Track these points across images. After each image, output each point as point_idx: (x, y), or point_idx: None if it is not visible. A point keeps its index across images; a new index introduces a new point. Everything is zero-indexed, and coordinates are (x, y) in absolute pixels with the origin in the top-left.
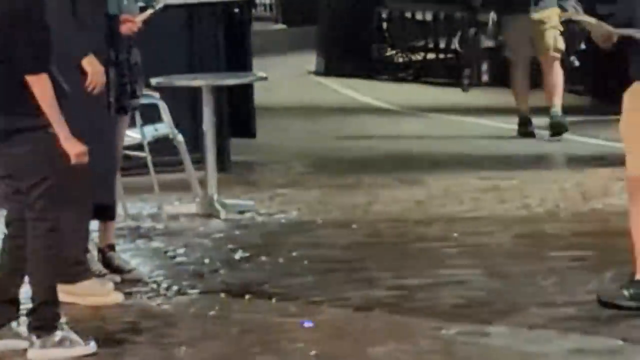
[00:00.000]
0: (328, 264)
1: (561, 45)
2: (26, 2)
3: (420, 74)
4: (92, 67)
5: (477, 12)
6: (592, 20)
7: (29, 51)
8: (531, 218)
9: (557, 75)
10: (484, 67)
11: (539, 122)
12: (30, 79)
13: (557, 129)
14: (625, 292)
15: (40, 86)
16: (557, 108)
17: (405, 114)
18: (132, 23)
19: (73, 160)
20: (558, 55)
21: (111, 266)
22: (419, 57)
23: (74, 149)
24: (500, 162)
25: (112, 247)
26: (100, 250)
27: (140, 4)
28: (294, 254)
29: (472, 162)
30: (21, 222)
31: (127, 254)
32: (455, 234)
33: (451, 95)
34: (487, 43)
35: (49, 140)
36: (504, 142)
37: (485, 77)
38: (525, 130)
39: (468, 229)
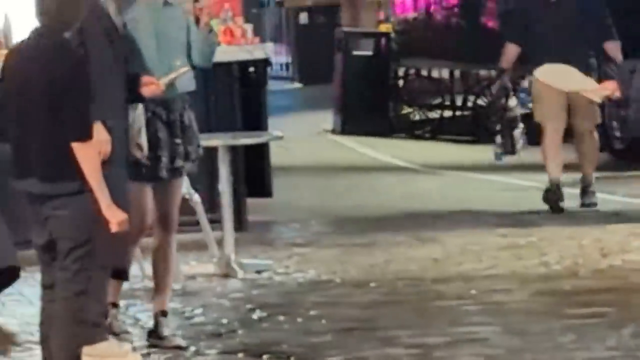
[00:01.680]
0: (346, 323)
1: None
2: (73, 70)
3: (437, 131)
4: (97, 135)
5: (502, 75)
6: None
7: (75, 118)
8: (550, 275)
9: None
10: (517, 133)
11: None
12: (75, 146)
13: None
14: None
15: (84, 152)
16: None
17: (422, 171)
18: (155, 86)
19: (114, 229)
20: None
21: None
22: (435, 114)
23: (116, 216)
24: (517, 219)
25: (115, 305)
26: None
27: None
28: (312, 313)
29: (489, 219)
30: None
31: (144, 315)
32: (474, 292)
33: (468, 153)
34: (519, 109)
35: (92, 205)
36: (521, 199)
37: (519, 145)
38: (556, 205)
39: (486, 286)
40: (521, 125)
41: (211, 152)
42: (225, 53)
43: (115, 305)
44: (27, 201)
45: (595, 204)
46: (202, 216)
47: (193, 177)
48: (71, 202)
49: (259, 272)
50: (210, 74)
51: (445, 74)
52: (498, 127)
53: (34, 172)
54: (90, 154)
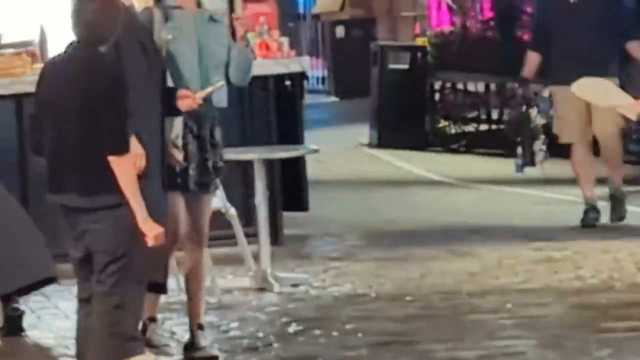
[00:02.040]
0: (382, 337)
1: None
2: (109, 84)
3: (472, 145)
4: (132, 149)
5: (527, 85)
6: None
7: (111, 131)
8: (585, 289)
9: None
10: (537, 146)
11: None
12: (112, 159)
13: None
14: None
15: (121, 166)
16: (615, 184)
17: (457, 185)
18: (192, 100)
19: (151, 242)
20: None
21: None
22: (471, 128)
23: (152, 230)
24: (552, 232)
25: (154, 320)
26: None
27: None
28: (348, 327)
29: (524, 233)
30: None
31: (179, 328)
32: (509, 306)
33: (503, 167)
34: (540, 120)
35: (129, 218)
36: (557, 213)
37: (539, 157)
38: (592, 225)
39: (522, 300)
40: (542, 136)
41: (247, 165)
42: (261, 67)
43: (153, 319)
44: (63, 215)
45: (623, 217)
46: (238, 230)
47: (229, 190)
48: (108, 215)
49: (294, 285)
50: (247, 87)
51: (481, 87)
52: (518, 139)
53: (70, 186)
54: (127, 167)
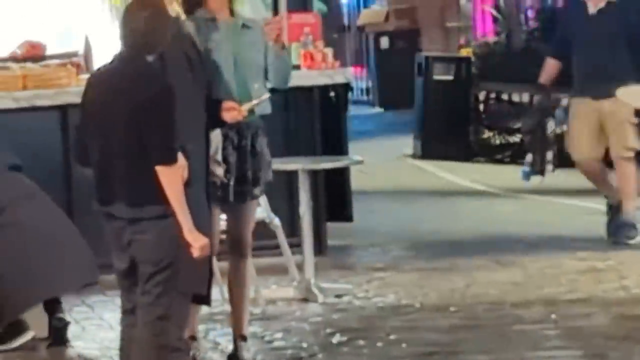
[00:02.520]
0: (426, 348)
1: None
2: (157, 95)
3: (517, 155)
4: None
5: (546, 93)
6: None
7: (159, 142)
8: (629, 299)
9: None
10: (550, 155)
11: None
12: (160, 170)
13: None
14: None
15: (169, 176)
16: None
17: (501, 195)
18: (237, 112)
19: (196, 253)
20: (631, 154)
21: None
22: (515, 138)
23: (198, 241)
24: (596, 242)
25: (194, 338)
26: None
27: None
28: (392, 337)
29: (568, 243)
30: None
31: (223, 339)
32: (554, 316)
33: (548, 177)
34: (556, 129)
35: (174, 229)
36: (600, 223)
37: (550, 167)
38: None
39: (566, 310)
40: (555, 146)
41: (292, 176)
42: (305, 77)
43: (194, 338)
44: (108, 225)
45: (627, 239)
46: (283, 240)
47: (273, 201)
48: (154, 226)
49: (338, 296)
50: (291, 98)
51: (525, 98)
52: (530, 146)
53: (117, 196)
54: (174, 178)
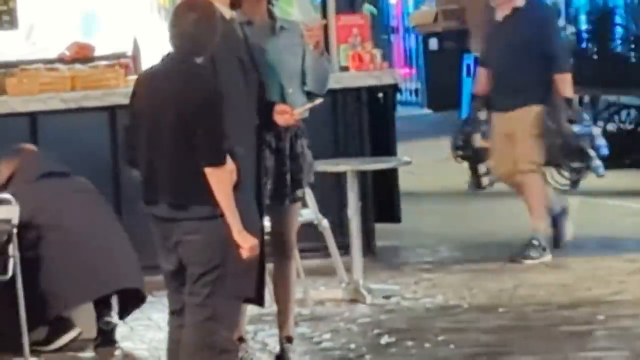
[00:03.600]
0: (474, 348)
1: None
2: (206, 96)
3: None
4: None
5: (478, 103)
6: None
7: (208, 143)
8: None
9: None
10: (482, 169)
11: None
12: (208, 171)
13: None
14: None
15: (217, 177)
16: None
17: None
18: (289, 115)
19: (245, 254)
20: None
21: None
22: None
23: (247, 242)
24: None
25: (242, 340)
26: None
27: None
28: (440, 338)
29: (616, 244)
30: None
31: (272, 340)
32: (602, 317)
33: (592, 178)
34: (483, 142)
35: (223, 229)
36: None
37: (485, 181)
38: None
39: (614, 312)
40: (488, 160)
41: (340, 177)
42: (354, 79)
43: (242, 339)
44: (156, 226)
45: (530, 258)
46: (331, 241)
47: (322, 202)
48: (202, 226)
49: (387, 297)
50: (339, 99)
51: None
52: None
53: (165, 197)
54: (223, 179)
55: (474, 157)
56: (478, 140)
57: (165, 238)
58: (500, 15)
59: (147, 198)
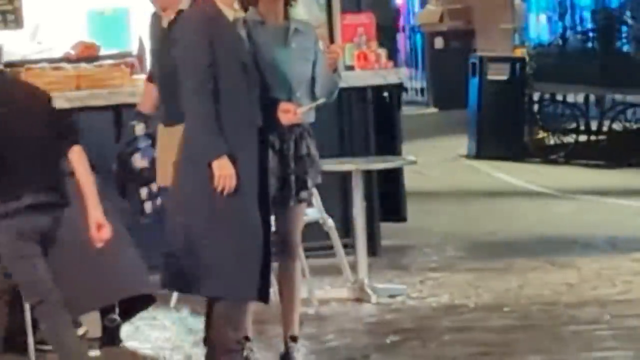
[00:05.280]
0: (480, 348)
1: None
2: None
3: (571, 156)
4: (220, 171)
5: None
6: None
7: None
8: None
9: None
10: (144, 193)
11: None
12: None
13: None
14: None
15: None
16: None
17: (556, 196)
18: (292, 114)
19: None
20: None
21: None
22: (570, 139)
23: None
24: None
25: (247, 339)
26: None
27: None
28: (446, 337)
29: (623, 244)
30: None
31: (278, 340)
32: (608, 317)
33: (603, 177)
34: (143, 163)
35: None
36: None
37: (147, 206)
38: None
39: (620, 311)
40: (154, 185)
41: (345, 176)
42: (359, 78)
43: (247, 338)
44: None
45: None
46: (336, 241)
47: (327, 201)
48: None
49: (392, 296)
50: (345, 98)
51: (580, 98)
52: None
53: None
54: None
55: (132, 179)
56: (136, 160)
57: None
58: (165, 21)
59: None
